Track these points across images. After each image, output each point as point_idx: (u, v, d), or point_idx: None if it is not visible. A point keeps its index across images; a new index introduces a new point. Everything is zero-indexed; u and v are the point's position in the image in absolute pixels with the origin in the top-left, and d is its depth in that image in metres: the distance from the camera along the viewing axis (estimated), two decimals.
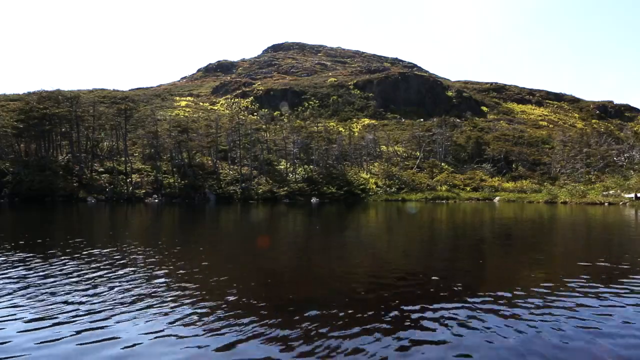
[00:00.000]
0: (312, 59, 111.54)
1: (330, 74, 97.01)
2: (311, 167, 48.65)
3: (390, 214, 26.03)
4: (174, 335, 4.45)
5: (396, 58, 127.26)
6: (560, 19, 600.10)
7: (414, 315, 5.15)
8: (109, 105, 53.20)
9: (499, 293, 6.17)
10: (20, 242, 11.08)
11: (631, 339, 4.45)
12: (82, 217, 22.21)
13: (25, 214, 22.85)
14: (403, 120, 76.97)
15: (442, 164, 57.65)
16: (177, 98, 79.59)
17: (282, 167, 48.97)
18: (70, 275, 7.12)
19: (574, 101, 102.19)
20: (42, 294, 5.96)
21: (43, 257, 8.75)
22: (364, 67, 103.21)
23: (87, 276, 7.09)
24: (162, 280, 6.89)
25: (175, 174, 42.04)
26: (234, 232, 16.27)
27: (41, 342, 4.27)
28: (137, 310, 5.27)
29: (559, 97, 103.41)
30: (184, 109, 70.29)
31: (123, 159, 42.76)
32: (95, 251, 9.80)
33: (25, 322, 4.83)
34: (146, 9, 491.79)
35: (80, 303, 5.56)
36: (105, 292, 6.12)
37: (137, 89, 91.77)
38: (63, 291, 6.12)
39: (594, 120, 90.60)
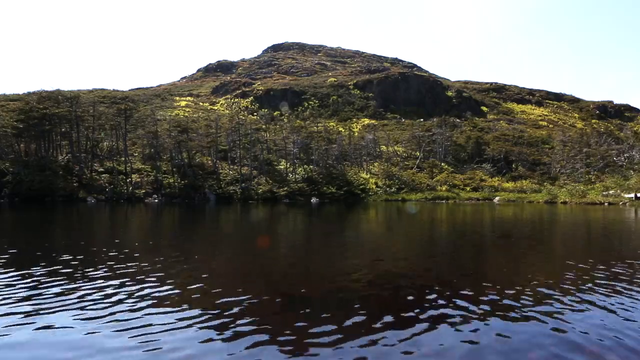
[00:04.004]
0: (312, 59, 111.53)
1: (330, 74, 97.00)
2: (311, 167, 48.66)
3: (390, 214, 26.03)
4: (171, 334, 4.45)
5: (396, 58, 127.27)
6: (560, 19, 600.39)
7: (415, 316, 5.15)
8: (109, 105, 53.20)
9: (500, 293, 6.17)
10: (19, 243, 11.08)
11: (635, 338, 4.45)
12: (83, 217, 22.21)
13: (26, 215, 22.84)
14: (403, 120, 76.99)
15: (442, 164, 57.66)
16: (177, 98, 79.60)
17: (282, 167, 48.98)
18: (74, 278, 7.12)
19: (574, 101, 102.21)
20: (43, 297, 5.96)
21: (42, 260, 8.75)
22: (363, 67, 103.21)
23: (87, 276, 7.09)
24: (161, 280, 6.88)
25: (175, 174, 42.04)
26: (234, 232, 16.27)
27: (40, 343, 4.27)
28: (132, 311, 5.27)
29: (559, 97, 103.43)
30: (183, 109, 70.30)
31: (123, 159, 42.75)
32: (96, 251, 9.80)
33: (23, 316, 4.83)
34: (146, 9, 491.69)
35: (80, 308, 5.56)
36: (104, 293, 6.11)
37: (137, 89, 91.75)
38: (71, 296, 6.12)
39: (594, 120, 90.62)
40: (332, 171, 48.45)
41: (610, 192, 41.45)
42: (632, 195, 38.11)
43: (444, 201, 42.70)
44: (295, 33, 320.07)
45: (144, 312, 5.17)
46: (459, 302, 5.68)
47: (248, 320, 4.88)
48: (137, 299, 5.70)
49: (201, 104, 77.59)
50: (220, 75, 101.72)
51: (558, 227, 18.94)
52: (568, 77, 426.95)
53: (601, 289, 6.43)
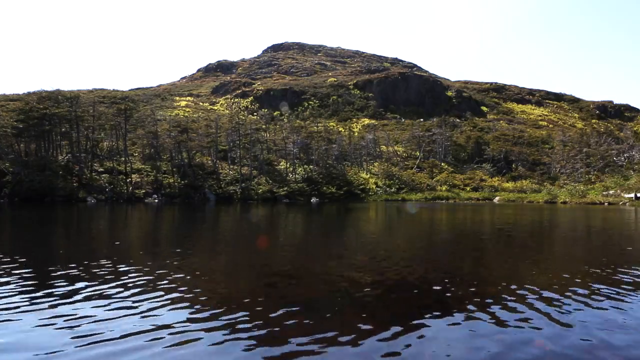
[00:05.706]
0: (312, 59, 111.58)
1: (330, 74, 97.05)
2: (311, 167, 48.66)
3: (390, 214, 26.03)
4: (168, 333, 4.45)
5: (396, 58, 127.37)
6: (560, 19, 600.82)
7: (414, 316, 5.15)
8: (108, 105, 53.21)
9: (501, 295, 6.17)
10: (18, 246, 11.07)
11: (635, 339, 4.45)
12: (83, 217, 22.21)
13: (27, 215, 22.84)
14: (403, 120, 77.03)
15: (442, 164, 57.70)
16: (177, 98, 79.65)
17: (282, 167, 48.99)
18: (74, 279, 7.12)
19: (573, 101, 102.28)
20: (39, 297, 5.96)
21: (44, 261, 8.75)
22: (363, 67, 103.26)
23: (86, 277, 7.08)
24: (160, 280, 6.88)
25: (175, 174, 42.04)
26: (234, 232, 16.26)
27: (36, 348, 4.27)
28: (130, 313, 5.27)
29: (558, 97, 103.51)
30: (183, 109, 70.35)
31: (123, 159, 42.75)
32: (96, 250, 9.80)
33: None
34: (146, 9, 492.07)
35: (79, 307, 5.56)
36: (104, 294, 6.11)
37: (137, 89, 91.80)
38: (80, 302, 6.12)
39: (593, 120, 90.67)
40: (332, 171, 48.46)
41: (610, 192, 41.47)
42: (632, 195, 38.11)
43: (444, 201, 42.69)
44: (295, 33, 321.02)
45: (142, 311, 5.17)
46: (459, 303, 5.68)
47: (244, 321, 4.87)
48: (133, 298, 5.69)
49: (201, 104, 77.64)
50: (220, 75, 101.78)
51: (558, 227, 18.94)
52: (568, 77, 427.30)
53: (603, 290, 6.42)
